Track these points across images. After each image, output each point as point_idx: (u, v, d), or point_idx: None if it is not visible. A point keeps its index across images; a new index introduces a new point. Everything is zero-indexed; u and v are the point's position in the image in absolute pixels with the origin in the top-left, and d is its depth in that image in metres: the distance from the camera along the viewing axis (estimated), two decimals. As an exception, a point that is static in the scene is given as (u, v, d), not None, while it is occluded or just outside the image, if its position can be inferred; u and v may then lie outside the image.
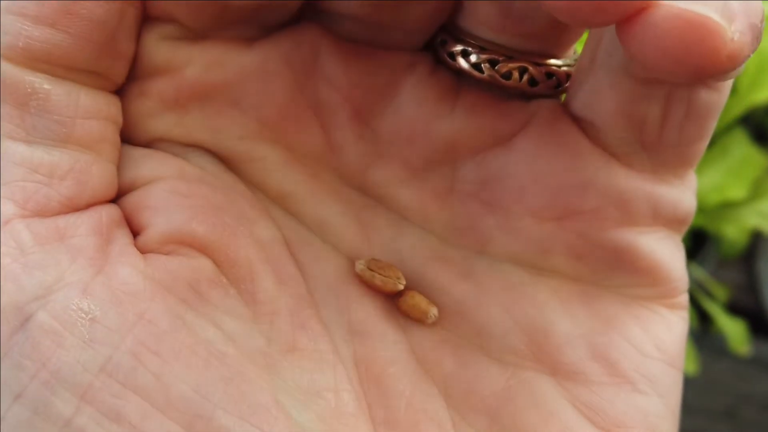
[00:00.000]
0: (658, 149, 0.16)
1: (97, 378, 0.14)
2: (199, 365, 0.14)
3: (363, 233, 0.17)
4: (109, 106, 0.16)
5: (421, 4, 0.15)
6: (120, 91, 0.16)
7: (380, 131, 0.17)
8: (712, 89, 0.15)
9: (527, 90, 0.16)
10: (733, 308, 0.52)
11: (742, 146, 0.46)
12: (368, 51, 0.16)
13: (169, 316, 0.14)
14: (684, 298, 0.18)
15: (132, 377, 0.14)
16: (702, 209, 0.46)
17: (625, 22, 0.12)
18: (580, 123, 0.16)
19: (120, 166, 0.16)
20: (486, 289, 0.17)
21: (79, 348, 0.14)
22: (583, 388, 0.16)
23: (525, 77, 0.16)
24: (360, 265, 0.17)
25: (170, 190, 0.16)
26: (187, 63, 0.16)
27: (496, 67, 0.16)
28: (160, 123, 0.16)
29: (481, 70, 0.16)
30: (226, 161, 0.17)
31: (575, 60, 0.17)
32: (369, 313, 0.17)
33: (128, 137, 0.16)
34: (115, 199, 0.16)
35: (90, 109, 0.15)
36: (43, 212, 0.14)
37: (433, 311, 0.17)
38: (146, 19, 0.16)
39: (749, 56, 0.12)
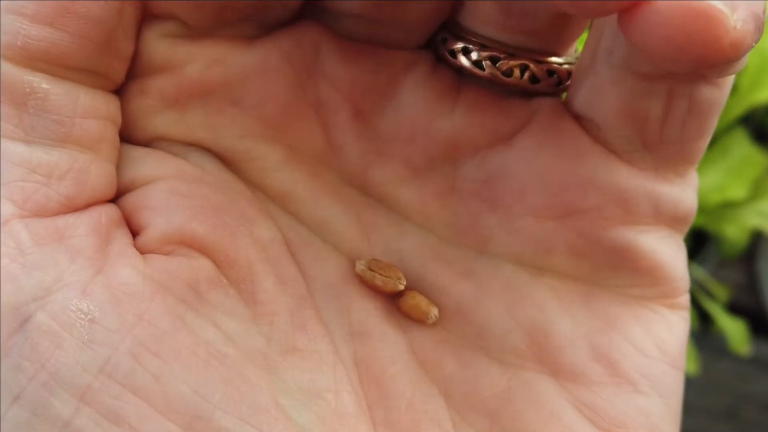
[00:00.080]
0: (659, 146, 0.16)
1: (97, 379, 0.13)
2: (198, 366, 0.14)
3: (363, 233, 0.17)
4: (108, 105, 0.16)
5: (421, 2, 0.15)
6: (120, 90, 0.16)
7: (381, 130, 0.17)
8: (714, 85, 0.15)
9: (528, 87, 0.16)
10: (734, 308, 0.52)
11: (742, 146, 0.46)
12: (369, 49, 0.16)
13: (168, 316, 0.14)
14: (685, 298, 0.18)
15: (131, 378, 0.14)
16: (702, 209, 0.46)
17: (627, 10, 0.12)
18: (581, 121, 0.16)
19: (119, 165, 0.16)
20: (487, 290, 0.17)
21: (79, 349, 0.13)
22: (584, 389, 0.16)
23: (526, 75, 0.16)
24: (360, 266, 0.17)
25: (170, 190, 0.16)
26: (187, 61, 0.16)
27: (497, 65, 0.16)
28: (160, 121, 0.16)
29: (482, 68, 0.16)
30: (226, 161, 0.17)
31: (576, 58, 0.16)
32: (369, 314, 0.17)
33: (128, 136, 0.16)
34: (115, 199, 0.16)
35: (89, 108, 0.15)
36: (42, 212, 0.14)
37: (434, 311, 0.17)
38: (147, 17, 0.16)
39: (752, 46, 0.12)
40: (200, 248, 0.16)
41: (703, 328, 0.51)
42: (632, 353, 0.16)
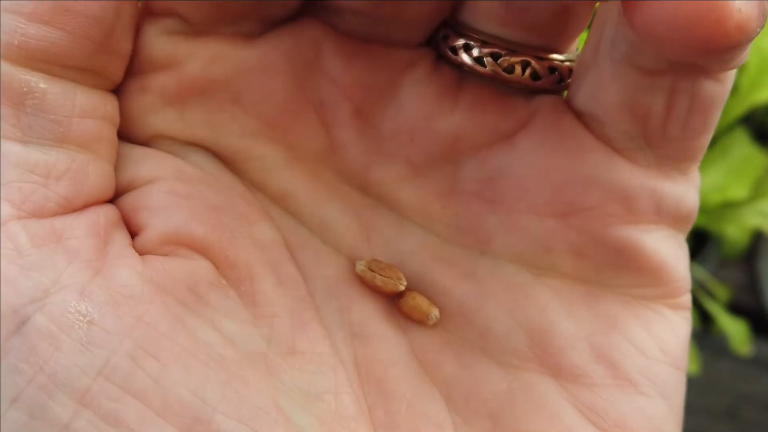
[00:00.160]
0: (661, 143, 0.16)
1: (95, 381, 0.13)
2: (198, 368, 0.14)
3: (364, 233, 0.17)
4: (106, 104, 0.15)
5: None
6: (119, 89, 0.16)
7: (381, 129, 0.17)
8: (716, 80, 0.15)
9: (530, 84, 0.16)
10: (735, 308, 0.52)
11: (743, 146, 0.46)
12: (370, 48, 0.16)
13: (167, 318, 0.14)
14: (687, 298, 0.18)
15: (130, 380, 0.14)
16: (703, 209, 0.46)
17: None
18: (583, 118, 0.16)
19: (118, 165, 0.16)
20: (488, 290, 0.17)
21: (77, 351, 0.13)
22: (586, 390, 0.16)
23: (527, 71, 0.16)
24: (360, 266, 0.17)
25: (169, 191, 0.16)
26: (187, 58, 0.16)
27: (499, 61, 0.16)
28: (160, 119, 0.16)
29: (483, 64, 0.16)
30: (225, 160, 0.17)
31: (577, 56, 0.16)
32: (369, 315, 0.17)
33: (128, 134, 0.16)
34: (113, 200, 0.16)
35: (86, 108, 0.15)
36: (39, 213, 0.14)
37: (435, 312, 0.17)
38: (148, 14, 0.16)
39: (757, 32, 0.12)
40: (199, 249, 0.16)
41: (704, 328, 0.51)
42: (634, 354, 0.16)
